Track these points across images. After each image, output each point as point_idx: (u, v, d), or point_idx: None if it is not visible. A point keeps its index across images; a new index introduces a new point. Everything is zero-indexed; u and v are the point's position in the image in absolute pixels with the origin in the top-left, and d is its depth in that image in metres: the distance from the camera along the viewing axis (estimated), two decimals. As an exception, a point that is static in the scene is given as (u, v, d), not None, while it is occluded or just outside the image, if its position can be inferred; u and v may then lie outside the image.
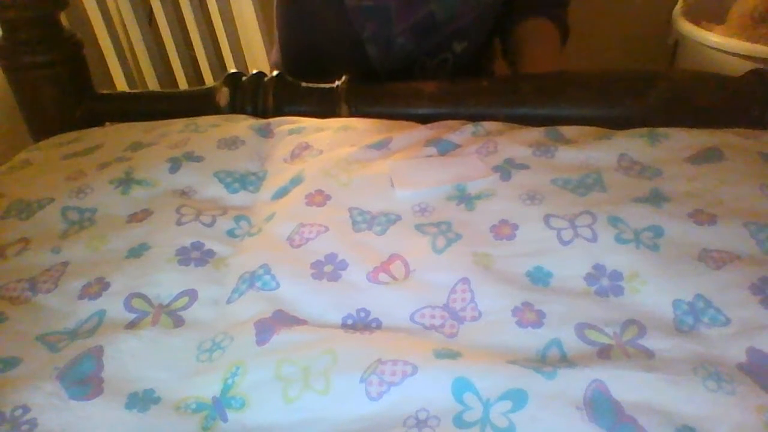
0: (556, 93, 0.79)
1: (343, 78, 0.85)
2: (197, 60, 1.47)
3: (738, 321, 0.47)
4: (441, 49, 0.95)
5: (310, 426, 0.44)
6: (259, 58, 1.39)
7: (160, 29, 1.45)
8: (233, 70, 0.90)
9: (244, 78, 0.87)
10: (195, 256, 0.59)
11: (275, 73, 0.88)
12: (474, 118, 0.76)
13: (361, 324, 0.51)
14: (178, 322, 0.53)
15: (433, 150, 0.69)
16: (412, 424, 0.43)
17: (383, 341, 0.48)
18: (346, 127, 0.76)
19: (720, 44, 1.22)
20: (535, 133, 0.70)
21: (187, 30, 1.43)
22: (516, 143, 0.68)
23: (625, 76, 0.79)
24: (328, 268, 0.56)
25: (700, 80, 0.78)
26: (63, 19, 0.89)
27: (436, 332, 0.50)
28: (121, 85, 1.56)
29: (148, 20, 1.49)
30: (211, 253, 0.60)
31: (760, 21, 1.24)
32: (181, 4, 1.38)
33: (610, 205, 0.58)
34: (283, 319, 0.51)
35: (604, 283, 0.52)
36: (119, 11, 1.46)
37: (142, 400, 0.47)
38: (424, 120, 0.77)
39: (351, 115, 0.82)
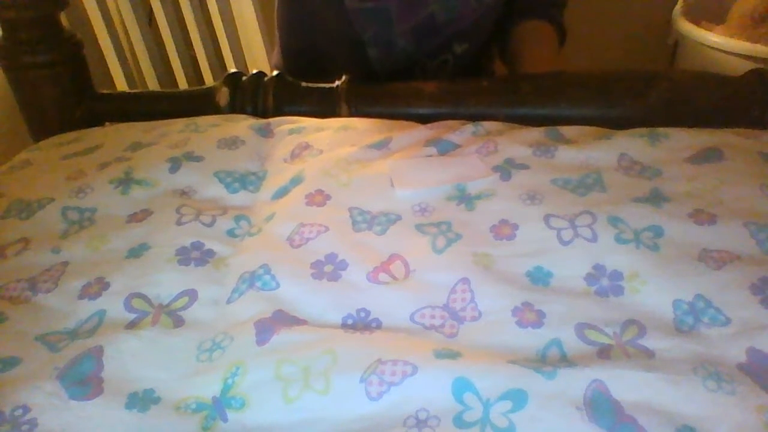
0: (556, 93, 0.79)
1: (343, 78, 0.85)
2: (197, 60, 1.47)
3: (738, 321, 0.47)
4: (441, 50, 0.95)
5: (310, 426, 0.44)
6: (259, 58, 1.38)
7: (160, 29, 1.45)
8: (233, 70, 0.90)
9: (244, 78, 0.87)
10: (195, 256, 0.59)
11: (275, 73, 0.88)
12: (474, 118, 0.76)
13: (361, 324, 0.51)
14: (178, 322, 0.53)
15: (433, 150, 0.69)
16: (412, 424, 0.43)
17: (383, 341, 0.48)
18: (346, 127, 0.76)
19: (720, 44, 1.22)
20: (535, 133, 0.70)
21: (187, 30, 1.42)
22: (516, 143, 0.68)
23: (625, 76, 0.79)
24: (328, 268, 0.56)
25: (700, 80, 0.78)
26: (63, 19, 0.89)
27: (436, 332, 0.50)
28: (121, 85, 1.56)
29: (148, 20, 1.49)
30: (211, 253, 0.60)
31: (760, 21, 1.24)
32: (181, 4, 1.38)
33: (610, 205, 0.58)
34: (283, 319, 0.51)
35: (604, 283, 0.52)
36: (119, 11, 1.46)
37: (142, 400, 0.47)
38: (424, 120, 0.77)
39: (351, 115, 0.82)
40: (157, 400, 0.47)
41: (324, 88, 0.85)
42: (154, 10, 1.42)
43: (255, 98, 0.86)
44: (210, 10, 1.36)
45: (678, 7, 1.37)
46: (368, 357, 0.46)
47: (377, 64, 0.94)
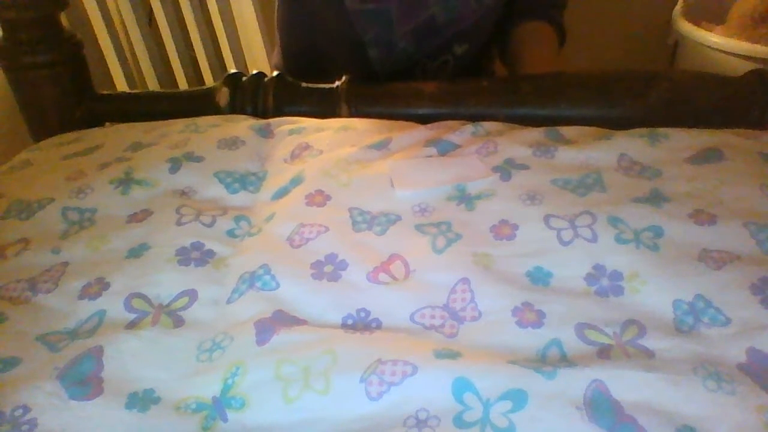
0: (556, 93, 0.79)
1: (343, 78, 0.85)
2: (197, 60, 1.47)
3: (738, 321, 0.47)
4: (441, 51, 0.95)
5: (310, 426, 0.44)
6: (259, 58, 1.38)
7: (160, 29, 1.45)
8: (233, 71, 0.90)
9: (244, 78, 0.87)
10: (195, 256, 0.59)
11: (275, 73, 0.88)
12: (474, 118, 0.76)
13: (361, 324, 0.51)
14: (178, 322, 0.53)
15: (433, 150, 0.69)
16: (412, 424, 0.43)
17: (383, 341, 0.48)
18: (346, 128, 0.76)
19: (720, 44, 1.22)
20: (535, 133, 0.70)
21: (187, 30, 1.42)
22: (516, 143, 0.68)
23: (625, 76, 0.79)
24: (328, 268, 0.56)
25: (700, 80, 0.78)
26: (63, 19, 0.89)
27: (436, 332, 0.50)
28: (121, 85, 1.56)
29: (148, 20, 1.49)
30: (211, 253, 0.60)
31: (760, 21, 1.24)
32: (181, 4, 1.38)
33: (610, 205, 0.58)
34: (283, 319, 0.51)
35: (604, 283, 0.52)
36: (119, 11, 1.46)
37: (142, 400, 0.47)
38: (424, 120, 0.77)
39: (351, 115, 0.82)
40: (157, 400, 0.47)
41: (324, 88, 0.85)
42: (154, 10, 1.42)
43: (255, 98, 0.86)
44: (210, 10, 1.36)
45: (678, 8, 1.37)
46: (368, 357, 0.46)
47: (378, 65, 0.94)
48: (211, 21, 1.38)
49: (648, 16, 1.53)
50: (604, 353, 0.46)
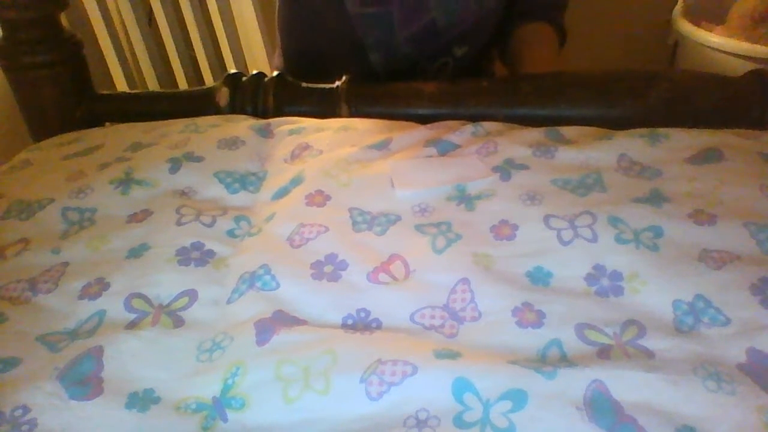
0: (556, 93, 0.79)
1: (343, 78, 0.85)
2: (197, 60, 1.47)
3: (738, 321, 0.47)
4: (441, 53, 0.95)
5: (310, 426, 0.44)
6: (259, 58, 1.39)
7: (160, 29, 1.45)
8: (233, 70, 0.90)
9: (244, 78, 0.87)
10: (195, 256, 0.59)
11: (275, 73, 0.88)
12: (474, 118, 0.76)
13: (361, 324, 0.51)
14: (178, 322, 0.53)
15: (433, 150, 0.69)
16: (412, 424, 0.43)
17: (383, 341, 0.48)
18: (346, 128, 0.76)
19: (720, 44, 1.22)
20: (535, 133, 0.70)
21: (187, 30, 1.42)
22: (516, 143, 0.68)
23: (625, 76, 0.79)
24: (328, 269, 0.56)
25: (700, 80, 0.78)
26: (63, 19, 0.89)
27: (436, 332, 0.50)
28: (121, 85, 1.56)
29: (148, 20, 1.49)
30: (211, 254, 0.60)
31: (760, 21, 1.24)
32: (181, 4, 1.38)
33: (610, 205, 0.58)
34: (283, 319, 0.51)
35: (604, 283, 0.52)
36: (119, 11, 1.46)
37: (142, 400, 0.47)
38: (424, 120, 0.77)
39: (351, 115, 0.82)
40: (157, 400, 0.47)
41: (324, 88, 0.85)
42: (154, 10, 1.42)
43: (255, 98, 0.86)
44: (210, 10, 1.36)
45: (678, 7, 1.37)
46: (368, 357, 0.46)
47: (379, 67, 0.94)
48: (211, 21, 1.38)
49: (648, 16, 1.53)
50: (604, 353, 0.46)
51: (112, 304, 0.55)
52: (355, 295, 0.53)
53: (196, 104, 0.88)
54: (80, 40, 0.91)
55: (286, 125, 0.79)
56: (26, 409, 0.45)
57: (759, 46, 1.17)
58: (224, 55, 1.42)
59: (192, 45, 1.45)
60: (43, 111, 0.90)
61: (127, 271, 0.57)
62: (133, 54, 1.54)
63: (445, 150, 0.70)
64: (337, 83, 0.84)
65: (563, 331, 0.48)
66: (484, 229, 0.58)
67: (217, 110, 0.86)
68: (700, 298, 0.49)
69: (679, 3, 1.38)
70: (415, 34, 0.90)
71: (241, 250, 0.61)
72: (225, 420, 0.45)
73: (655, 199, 0.58)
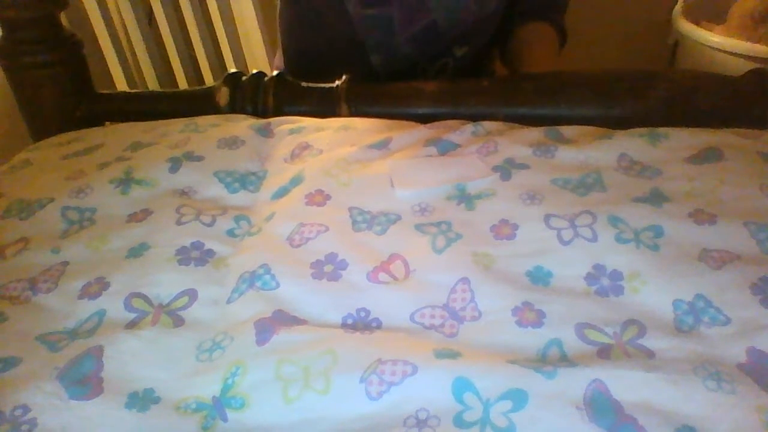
0: (556, 93, 0.79)
1: (343, 78, 0.85)
2: (197, 60, 1.47)
3: (738, 321, 0.47)
4: (441, 53, 0.95)
5: (310, 426, 0.44)
6: (259, 58, 1.38)
7: (160, 29, 1.45)
8: (233, 70, 0.90)
9: (244, 78, 0.87)
10: (195, 255, 0.59)
11: (275, 72, 0.88)
12: (474, 118, 0.76)
13: (361, 324, 0.51)
14: (178, 322, 0.53)
15: (433, 150, 0.69)
16: (412, 424, 0.43)
17: (383, 341, 0.48)
18: (346, 127, 0.76)
19: (720, 44, 1.22)
20: (535, 133, 0.70)
21: (187, 30, 1.42)
22: (516, 143, 0.68)
23: (625, 76, 0.79)
24: (328, 268, 0.56)
25: (700, 80, 0.78)
26: (63, 19, 0.89)
27: (436, 332, 0.50)
28: (121, 85, 1.56)
29: (148, 20, 1.49)
30: (211, 253, 0.60)
31: (760, 21, 1.24)
32: (181, 4, 1.38)
33: (610, 204, 0.58)
34: (283, 318, 0.51)
35: (605, 282, 0.52)
36: (119, 11, 1.46)
37: (141, 400, 0.47)
38: (424, 120, 0.77)
39: (351, 114, 0.82)
40: (157, 400, 0.47)
41: (324, 88, 0.85)
42: (154, 10, 1.42)
43: (255, 98, 0.86)
44: (210, 10, 1.36)
45: (678, 7, 1.37)
46: (368, 357, 0.46)
47: (379, 68, 0.94)
48: (211, 21, 1.38)
49: (648, 16, 1.53)
50: (604, 353, 0.46)
51: (112, 304, 0.55)
52: (355, 295, 0.53)
53: (196, 104, 0.88)
54: (80, 40, 0.91)
55: (286, 125, 0.79)
56: (26, 409, 0.45)
57: (759, 45, 1.17)
58: (224, 55, 1.42)
59: (192, 45, 1.45)
60: (43, 111, 0.90)
61: (127, 270, 0.57)
62: (133, 54, 1.54)
63: (445, 149, 0.70)
64: (337, 83, 0.84)
65: (563, 330, 0.48)
66: (484, 229, 0.58)
67: (217, 110, 0.86)
68: (700, 298, 0.49)
69: (679, 3, 1.38)
70: (416, 35, 0.90)
71: (241, 249, 0.61)
72: (225, 420, 0.45)
73: (655, 198, 0.58)
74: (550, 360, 0.46)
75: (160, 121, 0.82)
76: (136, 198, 0.67)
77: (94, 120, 0.91)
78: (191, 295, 0.56)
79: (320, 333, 0.50)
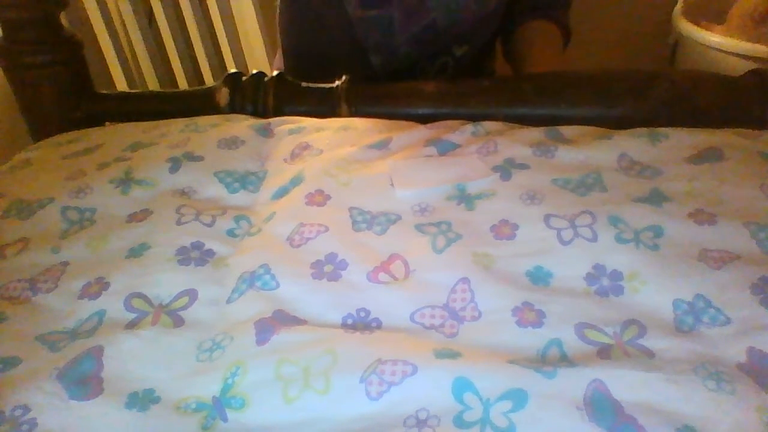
0: (556, 93, 0.79)
1: (343, 78, 0.85)
2: (197, 60, 1.47)
3: (738, 321, 0.47)
4: (441, 53, 0.95)
5: (310, 426, 0.44)
6: (259, 58, 1.39)
7: (160, 29, 1.45)
8: (233, 70, 0.90)
9: (244, 78, 0.87)
10: (195, 255, 0.59)
11: (275, 72, 0.88)
12: (474, 118, 0.76)
13: (361, 324, 0.51)
14: (178, 322, 0.53)
15: (433, 150, 0.69)
16: (412, 424, 0.43)
17: (383, 341, 0.48)
18: (346, 127, 0.76)
19: (720, 44, 1.22)
20: (535, 133, 0.70)
21: (187, 30, 1.42)
22: (516, 143, 0.68)
23: (625, 76, 0.79)
24: (328, 268, 0.56)
25: (700, 80, 0.78)
26: (63, 19, 0.89)
27: (436, 332, 0.50)
28: (121, 85, 1.56)
29: (148, 20, 1.49)
30: (211, 253, 0.60)
31: (760, 21, 1.24)
32: (181, 4, 1.38)
33: (610, 204, 0.58)
34: (283, 318, 0.51)
35: (605, 282, 0.52)
36: (119, 11, 1.46)
37: (142, 400, 0.47)
38: (424, 120, 0.77)
39: (351, 115, 0.82)
40: (157, 400, 0.47)
41: (324, 88, 0.85)
42: (154, 10, 1.42)
43: (255, 98, 0.86)
44: (210, 10, 1.36)
45: (678, 7, 1.37)
46: (368, 357, 0.46)
47: (379, 68, 0.94)
48: (211, 21, 1.38)
49: (648, 16, 1.53)
50: (604, 353, 0.46)
51: (112, 304, 0.54)
52: (355, 295, 0.53)
53: (196, 104, 0.88)
54: (80, 40, 0.91)
55: (286, 125, 0.79)
56: (26, 409, 0.45)
57: (759, 46, 1.17)
58: (224, 55, 1.42)
59: (192, 45, 1.45)
60: (43, 111, 0.90)
61: (127, 270, 0.57)
62: (133, 54, 1.54)
63: (445, 150, 0.70)
64: (337, 83, 0.84)
65: (563, 330, 0.48)
66: (484, 229, 0.58)
67: (217, 110, 0.86)
68: (700, 298, 0.49)
69: (679, 3, 1.38)
70: (416, 35, 0.90)
71: (241, 249, 0.61)
72: (225, 420, 0.45)
73: (655, 198, 0.58)
74: (550, 360, 0.46)
75: (160, 121, 0.82)
76: (136, 198, 0.67)
77: (94, 120, 0.91)
78: (191, 295, 0.56)
79: (320, 333, 0.50)
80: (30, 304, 0.56)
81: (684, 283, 0.50)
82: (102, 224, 0.64)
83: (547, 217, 0.57)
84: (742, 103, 0.74)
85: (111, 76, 1.56)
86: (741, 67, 1.00)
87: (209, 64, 1.46)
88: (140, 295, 0.55)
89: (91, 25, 1.47)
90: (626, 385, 0.43)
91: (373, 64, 0.94)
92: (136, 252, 0.60)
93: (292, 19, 0.98)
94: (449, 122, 0.75)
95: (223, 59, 1.44)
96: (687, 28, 1.30)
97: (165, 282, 0.56)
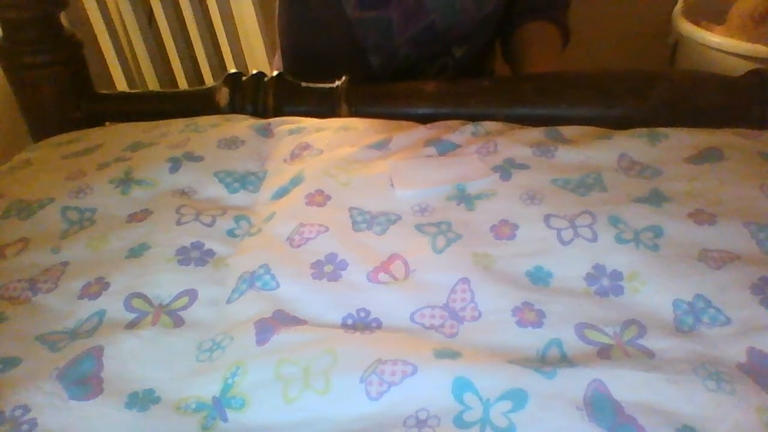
0: (556, 93, 0.79)
1: (343, 78, 0.85)
2: (197, 60, 1.47)
3: (738, 321, 0.47)
4: (440, 54, 0.95)
5: (310, 426, 0.44)
6: (259, 58, 1.39)
7: (160, 29, 1.45)
8: (233, 70, 0.90)
9: (244, 78, 0.87)
10: (195, 256, 0.59)
11: (275, 73, 0.88)
12: (474, 118, 0.76)
13: (361, 324, 0.51)
14: (178, 322, 0.53)
15: (432, 150, 0.69)
16: (412, 424, 0.43)
17: (383, 341, 0.48)
18: (346, 127, 0.76)
19: (720, 44, 1.22)
20: (535, 133, 0.70)
21: (187, 30, 1.42)
22: (516, 143, 0.68)
23: (625, 76, 0.79)
24: (328, 268, 0.56)
25: (700, 80, 0.78)
26: (63, 19, 0.89)
27: (436, 332, 0.50)
28: (121, 85, 1.56)
29: (148, 20, 1.49)
30: (211, 253, 0.60)
31: (760, 21, 1.24)
32: (181, 4, 1.38)
33: (610, 205, 0.58)
34: (283, 319, 0.51)
35: (605, 283, 0.52)
36: (119, 11, 1.46)
37: (142, 400, 0.47)
38: (424, 120, 0.77)
39: (351, 115, 0.82)
40: (157, 400, 0.47)
41: (324, 88, 0.85)
42: (154, 10, 1.42)
43: (255, 98, 0.86)
44: (210, 10, 1.36)
45: (678, 7, 1.37)
46: (368, 357, 0.46)
47: (378, 69, 0.94)
48: (211, 21, 1.38)
49: (648, 16, 1.53)
50: (604, 353, 0.46)
51: (112, 304, 0.54)
52: (355, 295, 0.53)
53: (196, 104, 0.87)
54: (80, 40, 0.91)
55: (286, 125, 0.79)
56: (26, 409, 0.45)
57: (759, 46, 1.17)
58: (224, 55, 1.42)
59: (192, 45, 1.45)
60: (43, 111, 0.90)
61: (127, 270, 0.57)
62: (133, 54, 1.54)
63: (445, 150, 0.70)
64: (337, 83, 0.84)
65: (563, 330, 0.48)
66: (484, 229, 0.58)
67: (217, 110, 0.86)
68: (700, 298, 0.49)
69: (679, 3, 1.38)
70: (415, 36, 0.90)
71: (241, 249, 0.61)
72: (225, 420, 0.45)
73: (655, 198, 0.58)
74: (550, 360, 0.46)
75: (160, 121, 0.82)
76: (136, 198, 0.67)
77: (94, 120, 0.91)
78: (191, 295, 0.56)
79: (320, 333, 0.50)
80: (30, 304, 0.56)
81: (684, 283, 0.50)
82: (102, 224, 0.64)
83: (547, 217, 0.57)
84: (742, 103, 0.74)
85: (111, 76, 1.56)
86: (741, 67, 1.00)
87: (209, 64, 1.46)
88: (140, 295, 0.55)
89: (91, 25, 1.47)
90: (626, 385, 0.43)
91: (372, 65, 0.94)
92: (136, 252, 0.60)
93: (291, 19, 0.98)
94: (449, 122, 0.75)
95: (223, 59, 1.44)
96: (687, 28, 1.30)
97: (165, 282, 0.56)
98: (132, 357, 0.50)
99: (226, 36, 1.38)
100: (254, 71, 0.88)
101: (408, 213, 0.61)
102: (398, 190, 0.63)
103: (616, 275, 0.52)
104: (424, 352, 0.46)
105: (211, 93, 0.87)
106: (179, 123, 0.80)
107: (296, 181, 0.68)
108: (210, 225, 0.63)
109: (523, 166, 0.65)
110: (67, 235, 0.63)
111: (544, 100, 0.79)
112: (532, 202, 0.60)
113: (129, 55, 1.56)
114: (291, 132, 0.77)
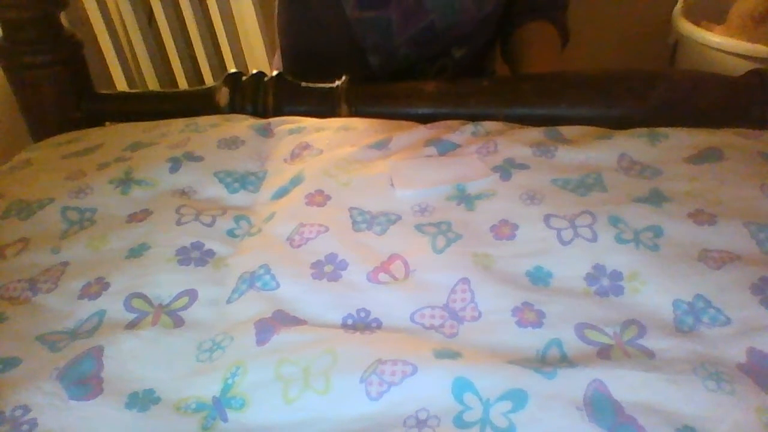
0: (556, 93, 0.79)
1: (343, 78, 0.85)
2: (197, 60, 1.47)
3: (738, 321, 0.47)
4: (440, 54, 0.95)
5: (310, 426, 0.44)
6: (259, 58, 1.39)
7: (160, 29, 1.45)
8: (233, 70, 0.90)
9: (244, 78, 0.87)
10: (195, 256, 0.59)
11: (275, 72, 0.88)
12: (474, 118, 0.76)
13: (361, 324, 0.51)
14: (178, 322, 0.53)
15: (432, 150, 0.69)
16: (412, 424, 0.43)
17: (383, 341, 0.48)
18: (346, 127, 0.76)
19: (720, 44, 1.22)
20: (535, 133, 0.70)
21: (187, 30, 1.43)
22: (516, 143, 0.68)
23: (625, 76, 0.79)
24: (328, 268, 0.56)
25: (700, 80, 0.78)
26: (63, 19, 0.89)
27: (436, 332, 0.50)
28: (121, 85, 1.56)
29: (148, 20, 1.49)
30: (211, 253, 0.60)
31: (760, 21, 1.24)
32: (181, 4, 1.38)
33: (610, 205, 0.58)
34: (283, 319, 0.51)
35: (604, 283, 0.52)
36: (119, 11, 1.46)
37: (142, 400, 0.47)
38: (424, 120, 0.77)
39: (351, 115, 0.82)
40: (157, 400, 0.47)
41: (324, 88, 0.85)
42: (154, 10, 1.42)
43: (255, 98, 0.86)
44: (210, 10, 1.36)
45: (678, 7, 1.37)
46: (368, 357, 0.46)
47: (378, 69, 0.94)
48: (211, 21, 1.38)
49: (648, 16, 1.53)
50: (604, 353, 0.46)
51: (112, 304, 0.54)
52: (355, 295, 0.53)
53: (196, 104, 0.87)
54: (80, 40, 0.91)
55: (286, 125, 0.79)
56: (26, 409, 0.45)
57: (759, 46, 1.17)
58: (224, 55, 1.42)
59: (192, 45, 1.45)
60: (43, 111, 0.90)
61: (127, 270, 0.57)
62: (133, 54, 1.54)
63: (445, 150, 0.70)
64: (337, 83, 0.84)
65: (563, 330, 0.48)
66: (484, 229, 0.58)
67: (217, 110, 0.86)
68: (700, 298, 0.49)
69: (679, 3, 1.38)
70: (414, 37, 0.90)
71: (241, 249, 0.61)
72: (225, 420, 0.45)
73: (655, 198, 0.58)
74: (550, 360, 0.46)
75: (160, 121, 0.82)
76: (136, 198, 0.67)
77: (94, 120, 0.91)
78: (191, 295, 0.56)
79: (320, 333, 0.50)
80: (30, 304, 0.56)
81: (684, 283, 0.50)
82: (102, 224, 0.64)
83: (547, 217, 0.57)
84: (742, 103, 0.74)
85: (111, 76, 1.56)
86: (741, 67, 1.00)
87: (209, 64, 1.46)
88: (140, 296, 0.55)
89: (91, 25, 1.47)
90: (626, 385, 0.43)
91: (371, 65, 0.94)
92: (136, 252, 0.60)
93: (290, 19, 0.98)
94: (449, 122, 0.75)
95: (223, 59, 1.44)
96: (687, 28, 1.30)
97: (165, 282, 0.56)
98: (132, 357, 0.50)
99: (226, 36, 1.38)
100: (254, 71, 0.88)
101: (408, 213, 0.61)
102: (398, 190, 0.63)
103: (616, 275, 0.52)
104: (424, 352, 0.46)
105: (211, 93, 0.87)
106: (179, 123, 0.80)
107: (296, 181, 0.68)
108: (210, 225, 0.63)
109: (523, 166, 0.65)
110: (67, 235, 0.63)
111: (544, 100, 0.79)
112: (532, 202, 0.60)
113: (129, 55, 1.56)
114: (291, 132, 0.77)
